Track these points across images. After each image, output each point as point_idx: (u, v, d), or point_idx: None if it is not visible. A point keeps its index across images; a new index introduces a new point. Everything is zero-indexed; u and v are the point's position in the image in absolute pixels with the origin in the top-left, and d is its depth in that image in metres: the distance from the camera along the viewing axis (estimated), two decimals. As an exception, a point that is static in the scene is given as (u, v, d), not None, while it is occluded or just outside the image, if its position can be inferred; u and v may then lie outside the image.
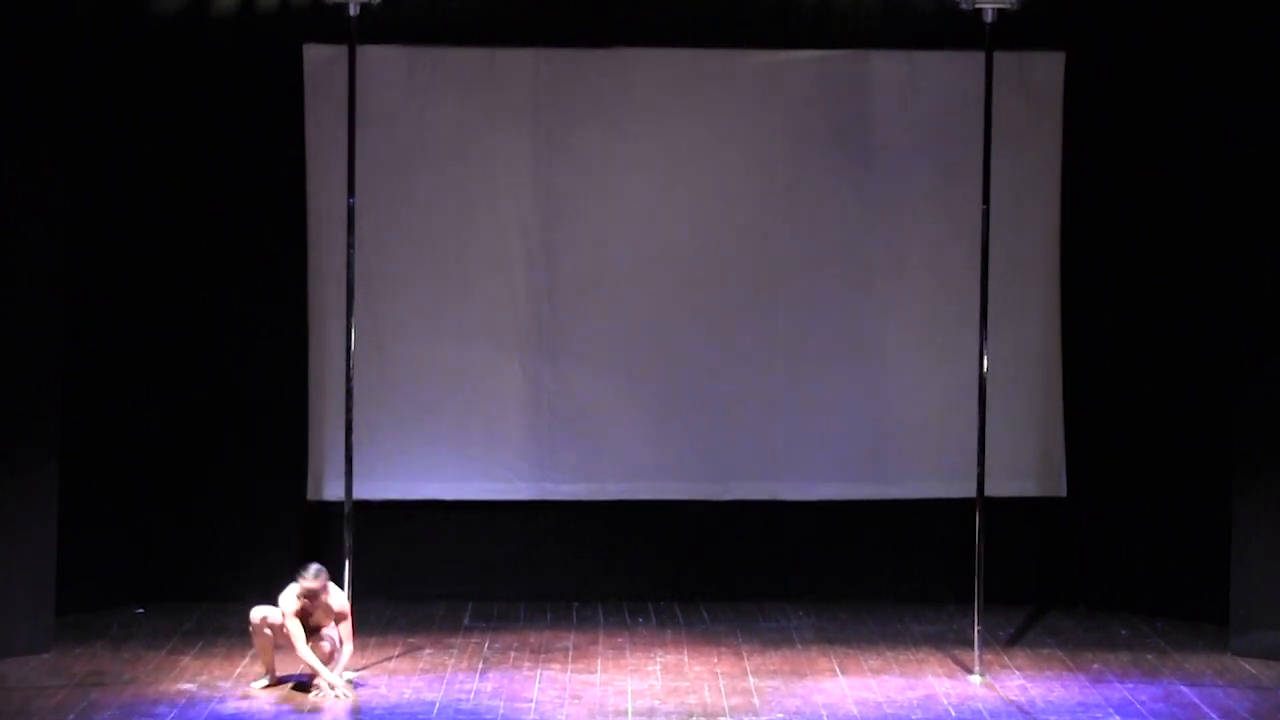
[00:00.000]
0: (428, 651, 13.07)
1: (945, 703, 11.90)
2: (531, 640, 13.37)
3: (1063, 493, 14.55)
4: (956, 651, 13.06)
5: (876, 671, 12.65)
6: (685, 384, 14.40)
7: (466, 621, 13.90)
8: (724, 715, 11.62)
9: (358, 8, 12.44)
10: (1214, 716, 11.63)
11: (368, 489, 13.66)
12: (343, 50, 12.70)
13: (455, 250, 14.41)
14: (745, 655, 12.99)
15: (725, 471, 14.47)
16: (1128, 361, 14.37)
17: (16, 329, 12.72)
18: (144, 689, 12.00)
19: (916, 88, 14.43)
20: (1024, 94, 14.27)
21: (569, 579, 14.54)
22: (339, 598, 12.10)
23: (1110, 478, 14.43)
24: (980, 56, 12.60)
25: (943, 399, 14.29)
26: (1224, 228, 13.55)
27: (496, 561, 14.56)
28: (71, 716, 11.36)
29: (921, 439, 14.42)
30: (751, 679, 12.37)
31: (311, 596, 11.90)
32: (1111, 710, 11.75)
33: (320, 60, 14.16)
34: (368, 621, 13.22)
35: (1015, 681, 12.44)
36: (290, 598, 11.91)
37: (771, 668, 12.66)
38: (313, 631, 11.94)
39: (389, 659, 12.88)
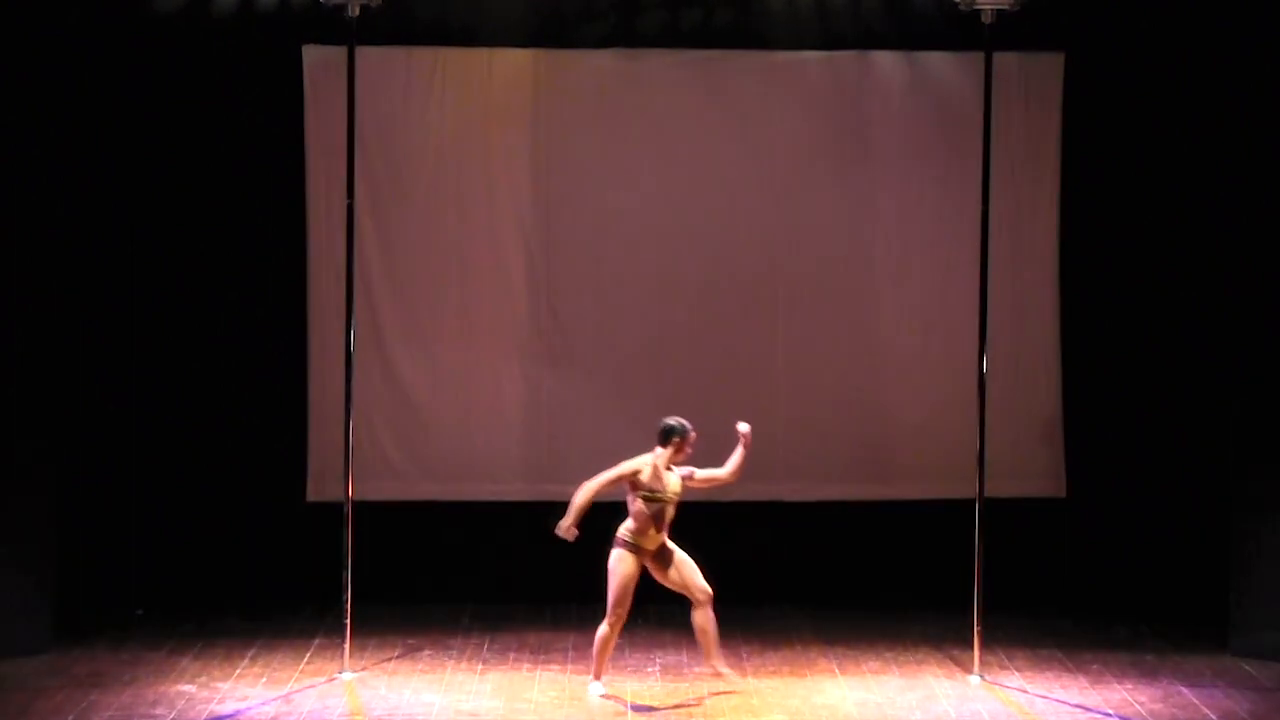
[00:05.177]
0: (427, 652, 13.08)
1: (945, 703, 11.90)
2: (531, 641, 13.37)
3: (1063, 493, 14.55)
4: (956, 652, 13.07)
5: (876, 672, 12.66)
6: (685, 384, 14.38)
7: (466, 622, 13.91)
8: (724, 716, 11.62)
9: (358, 8, 12.44)
10: (1213, 717, 11.62)
11: (368, 489, 13.64)
12: (343, 51, 12.69)
13: (455, 250, 14.41)
14: (745, 655, 12.99)
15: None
16: (1128, 361, 14.38)
17: (16, 329, 12.72)
18: (143, 689, 12.00)
19: (916, 88, 14.44)
20: (1023, 94, 14.29)
21: (569, 579, 14.50)
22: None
23: (1110, 478, 14.44)
24: (980, 57, 12.62)
25: (943, 399, 14.28)
26: (1224, 227, 13.55)
27: (496, 562, 14.57)
28: (71, 717, 11.36)
29: (921, 439, 14.42)
30: (751, 679, 12.36)
31: (690, 446, 11.94)
32: (1111, 711, 11.76)
33: (320, 61, 14.16)
34: (367, 622, 13.22)
35: (1015, 682, 12.44)
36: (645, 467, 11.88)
37: (771, 668, 12.66)
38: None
39: (389, 659, 12.89)
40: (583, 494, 11.72)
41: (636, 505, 11.86)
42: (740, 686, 12.11)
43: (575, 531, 11.74)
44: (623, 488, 11.87)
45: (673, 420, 11.98)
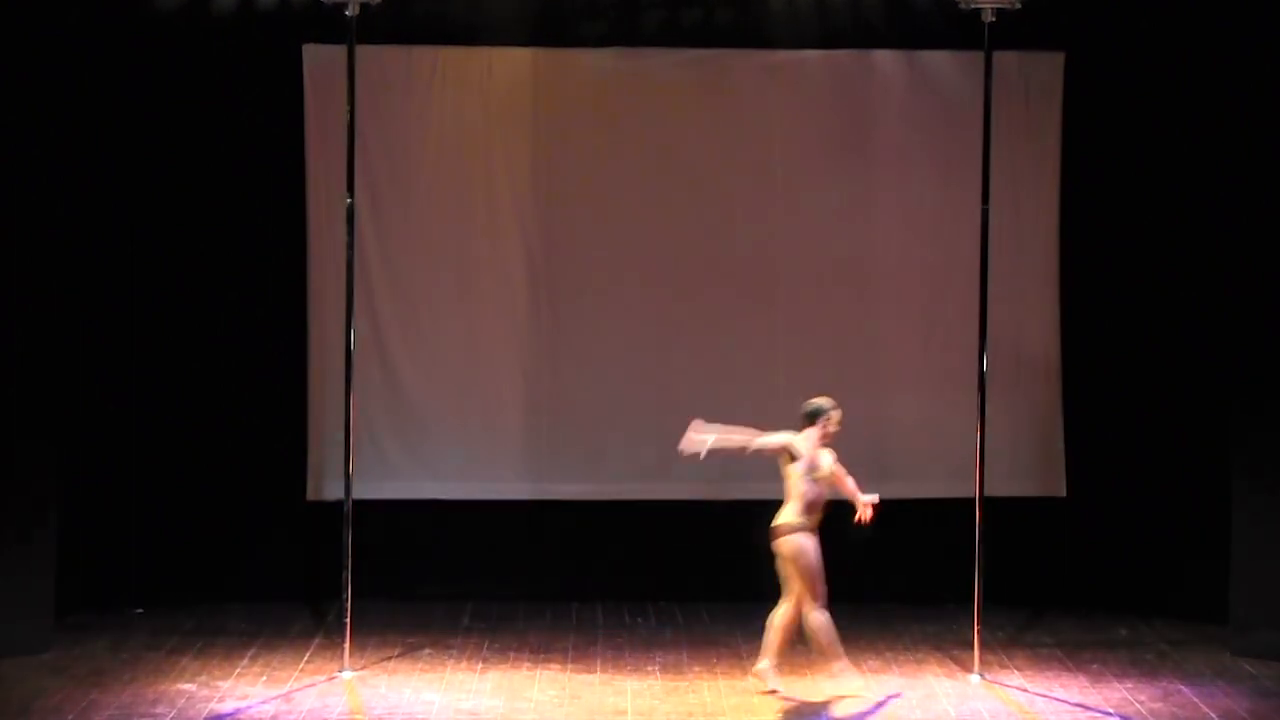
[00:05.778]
0: (427, 651, 13.07)
1: (945, 703, 11.90)
2: (531, 640, 13.37)
3: (1063, 493, 14.56)
4: (956, 651, 13.06)
5: (876, 671, 12.65)
6: (684, 383, 14.38)
7: (466, 621, 13.91)
8: (723, 715, 11.62)
9: (357, 8, 12.44)
10: (1214, 717, 11.62)
11: (368, 489, 13.65)
12: (343, 50, 12.69)
13: (455, 250, 14.42)
14: (745, 655, 12.97)
15: (725, 471, 14.39)
16: (1128, 361, 14.38)
17: (16, 329, 12.72)
18: (143, 689, 12.00)
19: (917, 87, 14.44)
20: (1024, 94, 14.29)
21: (569, 579, 14.54)
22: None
23: (1110, 478, 14.44)
24: (980, 56, 12.61)
25: (943, 399, 14.28)
26: (1224, 227, 13.54)
27: (496, 561, 14.56)
28: (71, 716, 11.36)
29: (921, 439, 14.42)
30: (751, 679, 12.35)
31: (835, 425, 12.00)
32: (1111, 710, 11.76)
33: (320, 60, 14.17)
34: (367, 621, 13.21)
35: (1015, 681, 12.44)
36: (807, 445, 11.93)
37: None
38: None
39: (389, 659, 12.88)
40: (735, 439, 11.89)
41: (802, 486, 11.90)
42: (774, 688, 12.10)
43: (700, 448, 11.89)
44: (780, 469, 11.91)
45: (816, 401, 12.04)
